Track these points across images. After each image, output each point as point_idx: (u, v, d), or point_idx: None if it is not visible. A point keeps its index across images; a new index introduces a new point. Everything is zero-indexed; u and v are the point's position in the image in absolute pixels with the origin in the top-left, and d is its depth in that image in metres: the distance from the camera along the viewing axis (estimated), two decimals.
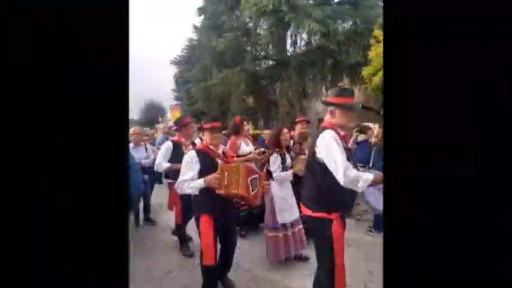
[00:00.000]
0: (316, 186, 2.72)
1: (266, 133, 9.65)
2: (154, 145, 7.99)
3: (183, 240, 4.98)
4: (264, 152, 4.63)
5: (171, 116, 19.65)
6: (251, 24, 16.15)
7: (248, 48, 17.00)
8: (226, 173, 3.09)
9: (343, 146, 2.62)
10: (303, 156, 4.45)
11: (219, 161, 3.31)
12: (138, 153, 5.96)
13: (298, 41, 16.79)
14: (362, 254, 4.68)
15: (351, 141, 5.61)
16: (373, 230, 5.65)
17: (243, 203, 4.98)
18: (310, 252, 4.19)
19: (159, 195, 7.01)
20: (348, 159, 2.54)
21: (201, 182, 3.10)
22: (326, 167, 2.57)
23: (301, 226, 4.48)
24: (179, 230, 5.00)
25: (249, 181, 3.17)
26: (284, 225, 4.33)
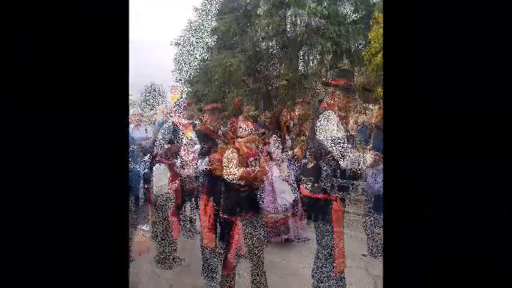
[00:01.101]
0: (316, 168, 2.71)
1: (266, 114, 9.62)
2: (154, 126, 7.97)
3: (183, 221, 4.99)
4: (263, 133, 4.61)
5: (171, 97, 19.59)
6: (251, 6, 15.96)
7: (248, 29, 16.84)
8: (226, 154, 3.08)
9: (343, 127, 2.61)
10: (302, 138, 4.44)
11: (219, 142, 3.30)
12: (138, 135, 5.95)
13: (298, 22, 16.64)
14: (362, 236, 4.70)
15: (351, 122, 5.60)
16: (372, 211, 5.67)
17: (243, 184, 4.99)
18: (310, 233, 4.21)
19: (159, 176, 7.01)
20: (348, 140, 2.54)
21: (200, 164, 3.10)
22: (326, 148, 2.56)
23: (300, 207, 4.49)
24: (179, 212, 5.01)
25: (248, 162, 3.17)
26: (284, 206, 4.34)
